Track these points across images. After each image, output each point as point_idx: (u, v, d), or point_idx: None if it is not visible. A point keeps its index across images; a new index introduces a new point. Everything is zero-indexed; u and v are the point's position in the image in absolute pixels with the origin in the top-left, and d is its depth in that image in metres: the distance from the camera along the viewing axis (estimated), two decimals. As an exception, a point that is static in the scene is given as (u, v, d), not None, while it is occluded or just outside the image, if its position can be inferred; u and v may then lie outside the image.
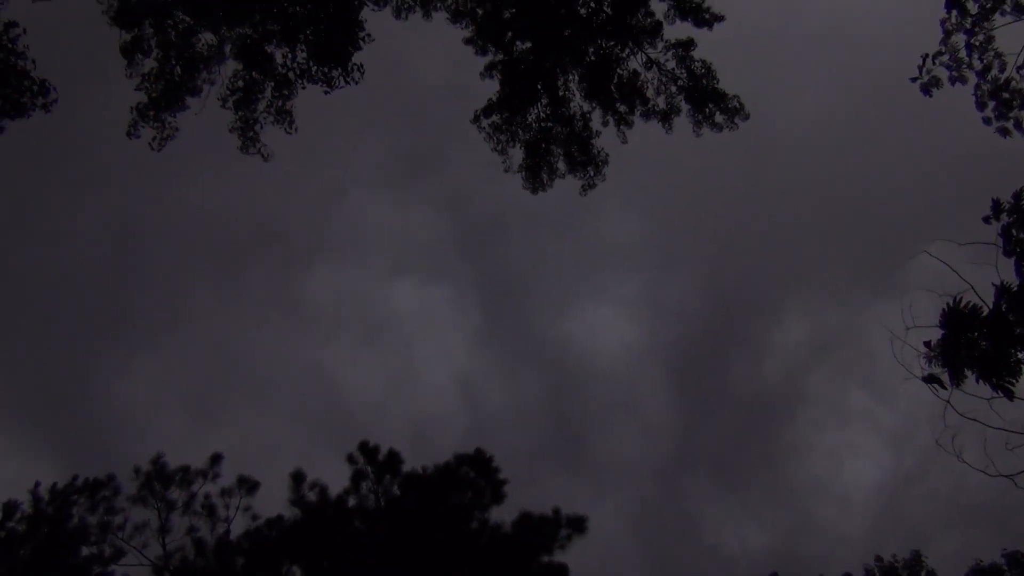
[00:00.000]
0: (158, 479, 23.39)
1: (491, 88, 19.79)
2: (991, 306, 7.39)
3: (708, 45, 19.43)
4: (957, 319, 7.12)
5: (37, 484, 23.77)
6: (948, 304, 7.20)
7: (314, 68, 17.84)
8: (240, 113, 18.28)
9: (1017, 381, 7.34)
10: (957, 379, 7.22)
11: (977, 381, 7.41)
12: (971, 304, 7.22)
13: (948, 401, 7.35)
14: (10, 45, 15.83)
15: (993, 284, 7.61)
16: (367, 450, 23.20)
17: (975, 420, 7.30)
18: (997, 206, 8.54)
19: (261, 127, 18.40)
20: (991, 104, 14.73)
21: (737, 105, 19.25)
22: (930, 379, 7.35)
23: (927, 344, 7.66)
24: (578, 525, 22.33)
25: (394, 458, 23.14)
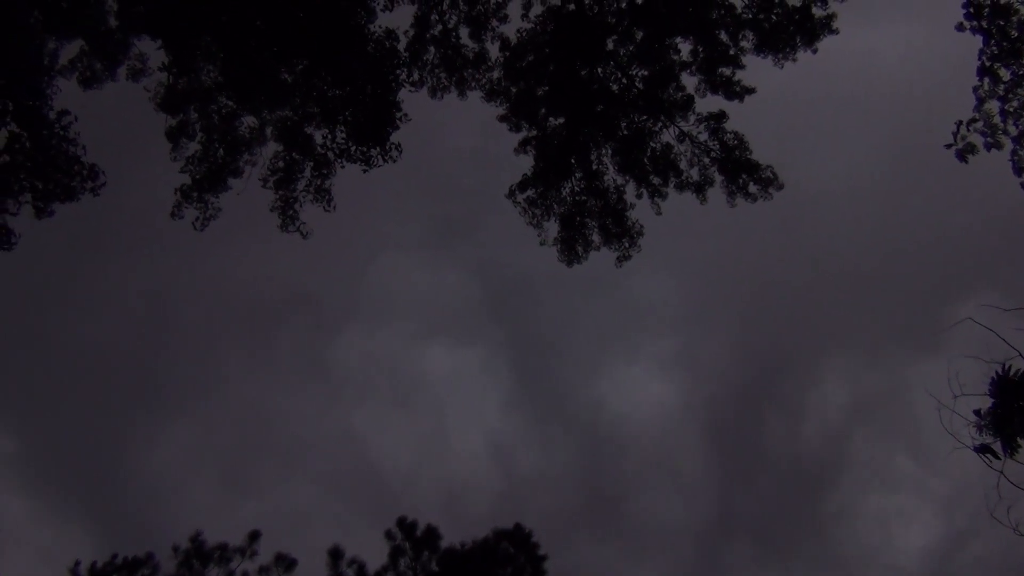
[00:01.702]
0: (196, 557, 23.27)
1: (525, 162, 20.07)
2: (1041, 373, 7.27)
3: (739, 112, 19.64)
4: (1007, 387, 6.99)
5: (78, 563, 23.72)
6: (997, 372, 7.08)
7: (353, 148, 18.23)
8: (280, 192, 18.65)
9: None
10: (1010, 449, 7.05)
11: (1031, 450, 7.24)
12: (1021, 371, 7.09)
13: (1001, 472, 7.17)
14: (62, 132, 16.40)
15: (1041, 352, 7.48)
16: (405, 526, 22.98)
17: (1030, 491, 7.10)
18: (1041, 271, 8.48)
19: (300, 205, 18.74)
20: (1029, 169, 14.71)
21: (771, 175, 19.33)
22: (983, 449, 7.17)
23: (977, 412, 7.50)
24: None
25: (432, 533, 22.89)
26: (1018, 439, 7.07)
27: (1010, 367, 7.13)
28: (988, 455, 7.15)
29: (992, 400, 7.19)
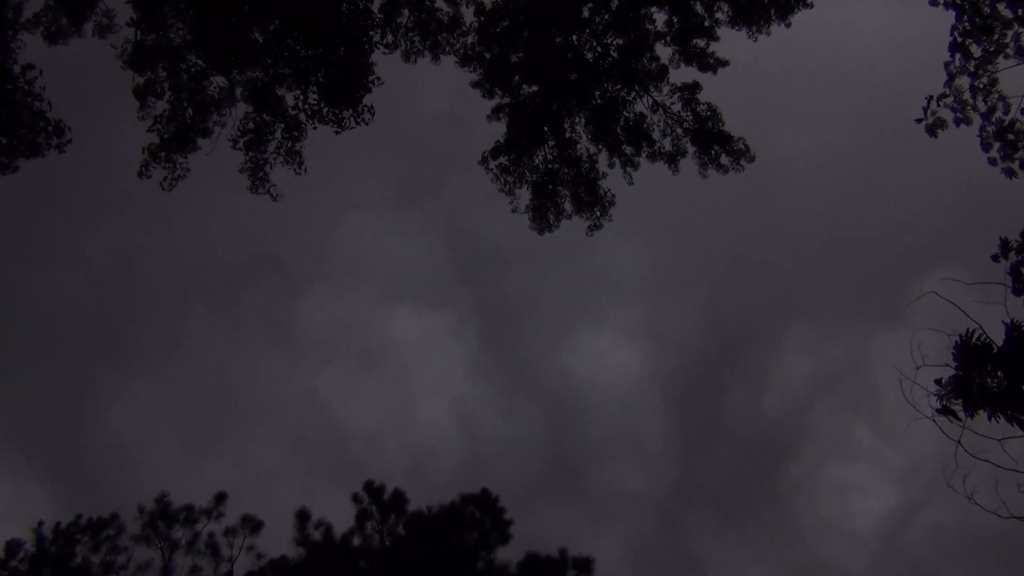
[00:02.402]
0: (162, 518, 23.28)
1: (497, 129, 20.00)
2: (1001, 344, 7.44)
3: (713, 84, 19.68)
4: (970, 353, 7.17)
5: (41, 523, 23.65)
6: (960, 337, 7.25)
7: (325, 110, 18.04)
8: (250, 154, 18.43)
9: (1029, 418, 7.35)
10: (972, 411, 7.24)
11: (990, 418, 7.42)
12: (983, 338, 7.27)
13: (959, 442, 7.35)
14: (27, 87, 16.10)
15: (1003, 322, 7.65)
16: (372, 489, 23.12)
17: (986, 461, 7.29)
18: (1005, 245, 8.63)
19: (271, 168, 18.54)
20: (996, 145, 14.89)
21: (743, 147, 19.43)
22: (945, 411, 7.36)
23: (938, 382, 7.67)
24: (584, 567, 22.15)
25: (399, 498, 23.04)
26: (978, 406, 7.27)
27: (973, 333, 7.30)
28: (950, 417, 7.34)
29: (955, 365, 7.37)
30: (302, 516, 22.64)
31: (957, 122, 15.13)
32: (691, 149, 19.83)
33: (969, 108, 15.07)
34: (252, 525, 23.30)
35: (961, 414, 7.30)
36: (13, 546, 23.30)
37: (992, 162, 15.04)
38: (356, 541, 22.67)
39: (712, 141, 19.51)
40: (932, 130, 15.08)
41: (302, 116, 18.27)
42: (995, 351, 7.15)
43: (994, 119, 14.85)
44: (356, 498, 23.05)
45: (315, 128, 18.35)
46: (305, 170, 18.60)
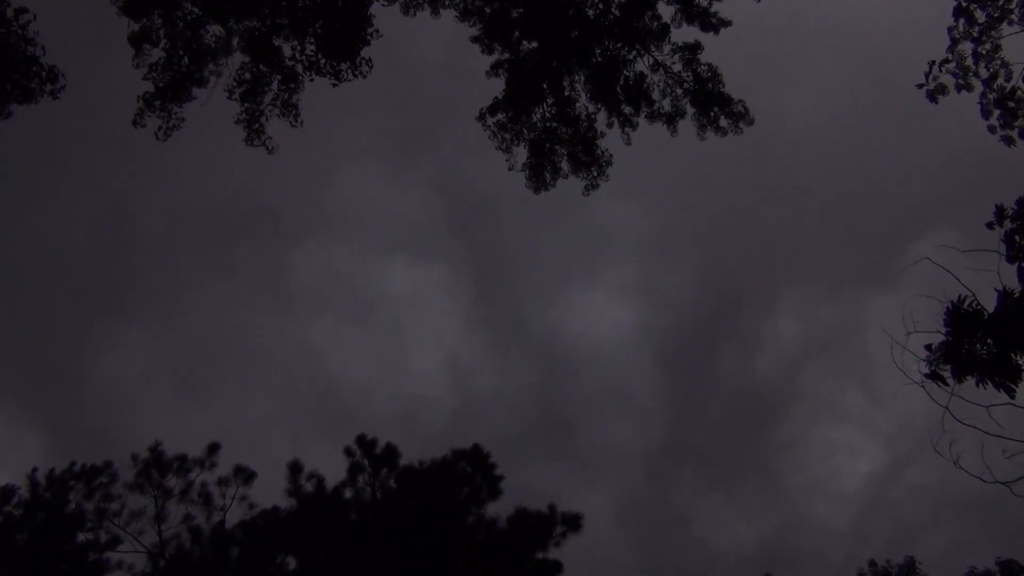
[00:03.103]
0: (155, 467, 23.45)
1: (496, 85, 19.86)
2: (992, 311, 7.48)
3: (714, 43, 19.52)
4: (960, 318, 7.21)
5: (35, 469, 23.83)
6: (952, 303, 7.29)
7: (322, 61, 17.89)
8: (246, 105, 18.31)
9: (1017, 386, 7.41)
10: (959, 376, 7.30)
11: (977, 385, 7.48)
12: (974, 303, 7.31)
13: (947, 407, 7.42)
14: (20, 31, 15.90)
15: (996, 289, 7.68)
16: (364, 443, 23.29)
17: (973, 427, 7.36)
18: (1000, 212, 8.63)
19: (267, 119, 18.43)
20: (996, 113, 14.82)
21: (742, 110, 19.34)
22: (933, 376, 7.42)
23: (928, 348, 7.73)
24: (574, 523, 22.41)
25: (391, 451, 23.23)
26: (966, 372, 7.33)
27: (964, 299, 7.34)
28: (938, 381, 7.40)
29: (945, 331, 7.41)
30: (294, 468, 22.83)
31: (958, 88, 15.05)
32: (690, 111, 19.72)
33: (971, 74, 14.97)
34: (245, 476, 23.50)
35: (949, 379, 7.36)
36: (7, 492, 23.51)
37: (991, 129, 14.99)
38: (348, 494, 22.90)
39: (712, 103, 19.40)
40: (933, 96, 15.02)
41: (299, 68, 18.12)
42: (986, 317, 7.20)
43: (995, 86, 14.77)
44: (348, 451, 23.23)
45: (312, 80, 18.22)
46: (301, 123, 18.49)
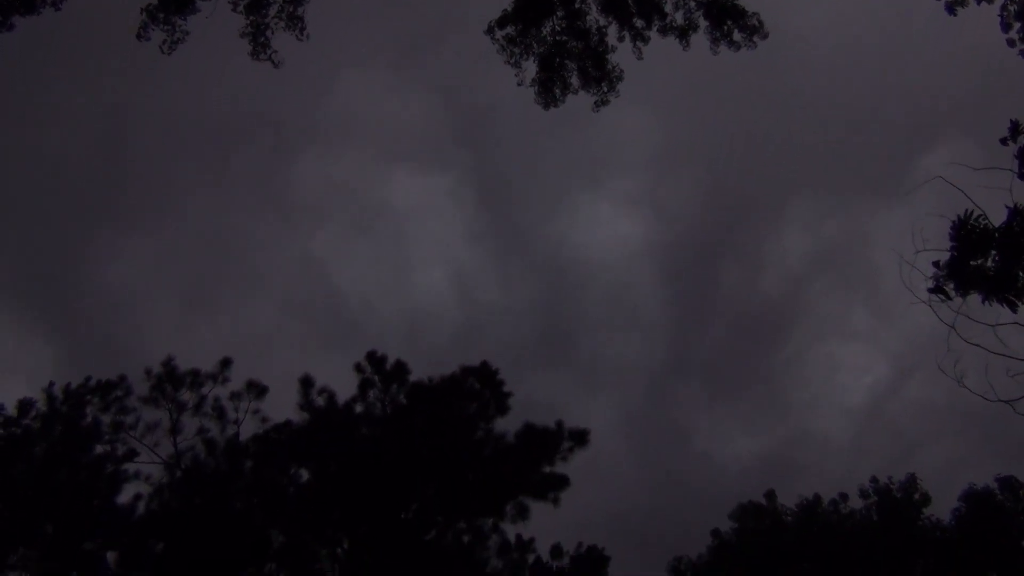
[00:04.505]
0: (169, 381, 23.76)
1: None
2: (1000, 225, 7.41)
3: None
4: (967, 233, 7.15)
5: (51, 384, 24.23)
6: (959, 217, 7.22)
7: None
8: (251, 18, 17.95)
9: (1021, 302, 7.38)
10: (964, 291, 7.28)
11: (983, 302, 7.46)
12: (982, 218, 7.25)
13: (952, 326, 7.42)
14: (20, -60, 15.52)
15: (1006, 206, 7.60)
16: (374, 359, 23.57)
17: (978, 346, 7.36)
18: (1015, 128, 8.46)
19: (272, 33, 18.10)
20: (1016, 26, 14.40)
21: (756, 23, 18.86)
22: (936, 290, 7.40)
23: (936, 264, 7.68)
24: (580, 438, 22.81)
25: (401, 368, 23.52)
26: (971, 288, 7.30)
27: (971, 213, 7.27)
28: (940, 296, 7.39)
29: (951, 245, 7.36)
30: (306, 383, 23.16)
31: (978, 0, 14.61)
32: (703, 24, 19.26)
33: (992, -15, 14.51)
34: (257, 390, 23.80)
35: (953, 294, 7.34)
36: (25, 405, 23.97)
37: (1011, 43, 14.56)
38: (359, 408, 23.30)
39: (726, 16, 18.92)
40: (951, 7, 14.61)
41: (303, -22, 17.70)
42: (994, 234, 7.14)
43: (1017, -3, 14.34)
44: (359, 367, 23.51)
45: (317, -10, 17.80)
46: (308, 36, 18.16)
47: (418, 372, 23.62)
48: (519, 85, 20.09)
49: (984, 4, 14.45)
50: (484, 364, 23.60)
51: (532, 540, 25.52)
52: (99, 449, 23.88)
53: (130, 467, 23.70)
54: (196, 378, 23.91)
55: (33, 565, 22.97)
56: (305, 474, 23.02)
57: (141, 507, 23.08)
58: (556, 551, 29.75)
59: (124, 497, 23.55)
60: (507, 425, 23.05)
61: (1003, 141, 8.48)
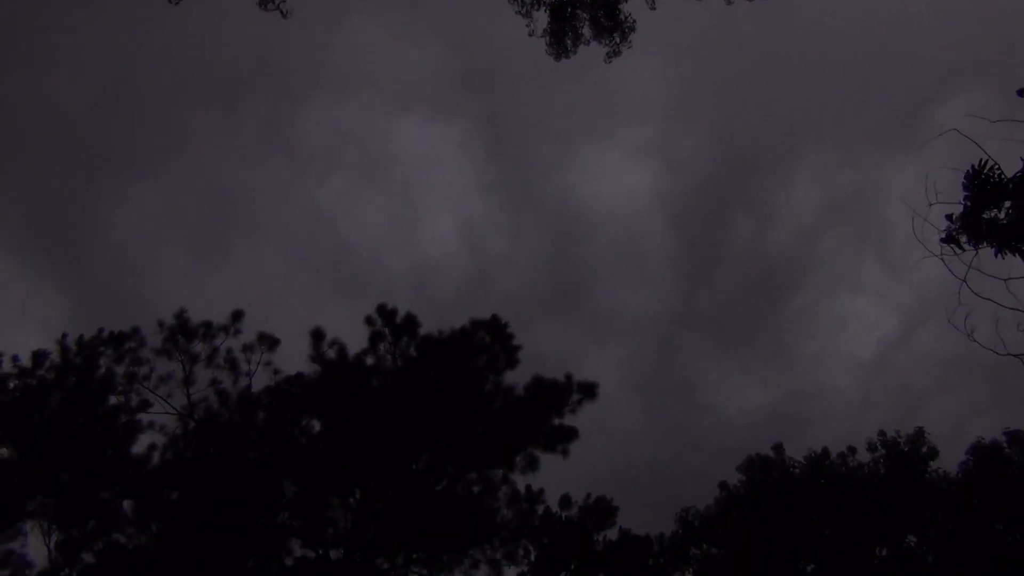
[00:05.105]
0: (181, 333, 23.93)
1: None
2: (1014, 175, 7.33)
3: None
4: (981, 183, 7.08)
5: (64, 335, 24.43)
6: (972, 167, 7.15)
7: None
8: (259, -34, 17.76)
9: (1035, 254, 7.34)
10: (976, 242, 7.24)
11: (996, 255, 7.41)
12: (996, 169, 7.17)
13: (964, 280, 7.37)
14: None
15: (1022, 158, 7.51)
16: (385, 312, 23.64)
17: (989, 300, 7.33)
18: (1033, 78, 8.34)
19: (280, -19, 17.89)
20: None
21: (771, -29, 18.57)
22: (948, 239, 7.36)
23: (949, 217, 7.62)
24: (589, 391, 22.93)
25: (411, 321, 23.61)
26: (984, 242, 7.25)
27: (985, 162, 7.19)
28: (952, 246, 7.35)
29: (964, 196, 7.30)
30: (317, 335, 23.29)
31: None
32: (718, -28, 18.96)
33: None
34: (269, 342, 23.95)
35: (966, 245, 7.30)
36: (39, 356, 24.19)
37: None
38: (369, 360, 23.44)
39: (740, -36, 18.62)
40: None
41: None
42: (1008, 185, 7.07)
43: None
44: (369, 320, 23.61)
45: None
46: (316, -14, 17.97)
47: (427, 324, 23.70)
48: (530, 35, 19.82)
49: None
50: (494, 317, 23.67)
51: (542, 491, 25.87)
52: (113, 400, 24.17)
53: (144, 418, 24.01)
54: (209, 330, 24.08)
55: (51, 513, 23.39)
56: (317, 425, 23.25)
57: (156, 457, 23.42)
58: (565, 501, 30.18)
59: (139, 447, 23.92)
60: (516, 378, 23.19)
61: (1020, 92, 8.35)
